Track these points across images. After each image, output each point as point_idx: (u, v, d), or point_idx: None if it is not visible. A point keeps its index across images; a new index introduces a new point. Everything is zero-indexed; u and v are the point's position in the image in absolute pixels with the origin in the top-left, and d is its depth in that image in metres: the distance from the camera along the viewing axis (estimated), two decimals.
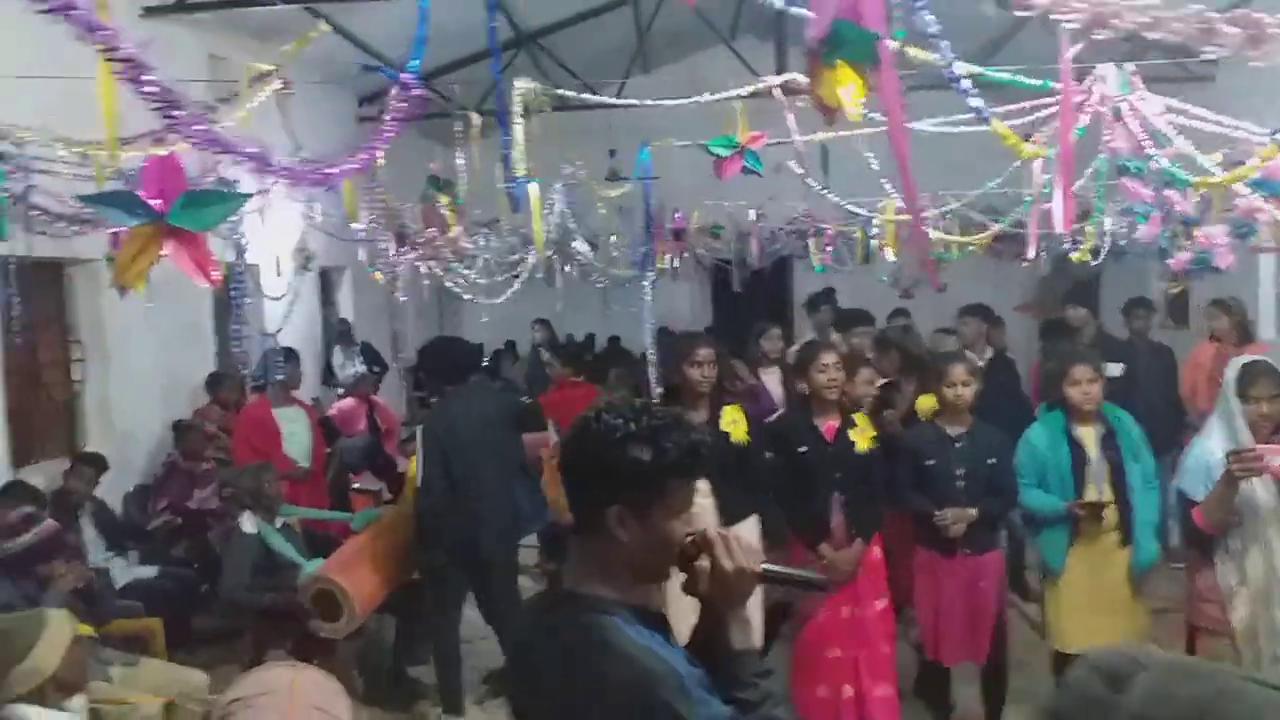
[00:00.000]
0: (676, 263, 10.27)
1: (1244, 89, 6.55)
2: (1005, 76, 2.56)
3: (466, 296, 6.89)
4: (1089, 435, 4.22)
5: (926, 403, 4.63)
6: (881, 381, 5.29)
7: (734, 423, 4.27)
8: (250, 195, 2.56)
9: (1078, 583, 4.18)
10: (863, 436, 4.30)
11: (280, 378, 6.10)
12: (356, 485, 6.97)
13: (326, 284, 10.26)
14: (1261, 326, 8.87)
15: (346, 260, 9.46)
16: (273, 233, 7.20)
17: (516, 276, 6.32)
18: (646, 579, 1.67)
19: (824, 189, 4.58)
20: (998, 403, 5.58)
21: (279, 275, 7.58)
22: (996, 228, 5.90)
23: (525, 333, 12.24)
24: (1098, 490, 4.12)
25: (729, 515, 4.06)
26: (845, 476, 4.21)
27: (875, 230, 7.52)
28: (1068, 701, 0.66)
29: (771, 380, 6.03)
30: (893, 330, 6.64)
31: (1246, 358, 3.80)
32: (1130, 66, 2.79)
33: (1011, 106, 3.08)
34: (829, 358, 4.32)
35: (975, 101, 2.29)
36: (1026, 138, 3.05)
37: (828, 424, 4.32)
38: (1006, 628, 4.54)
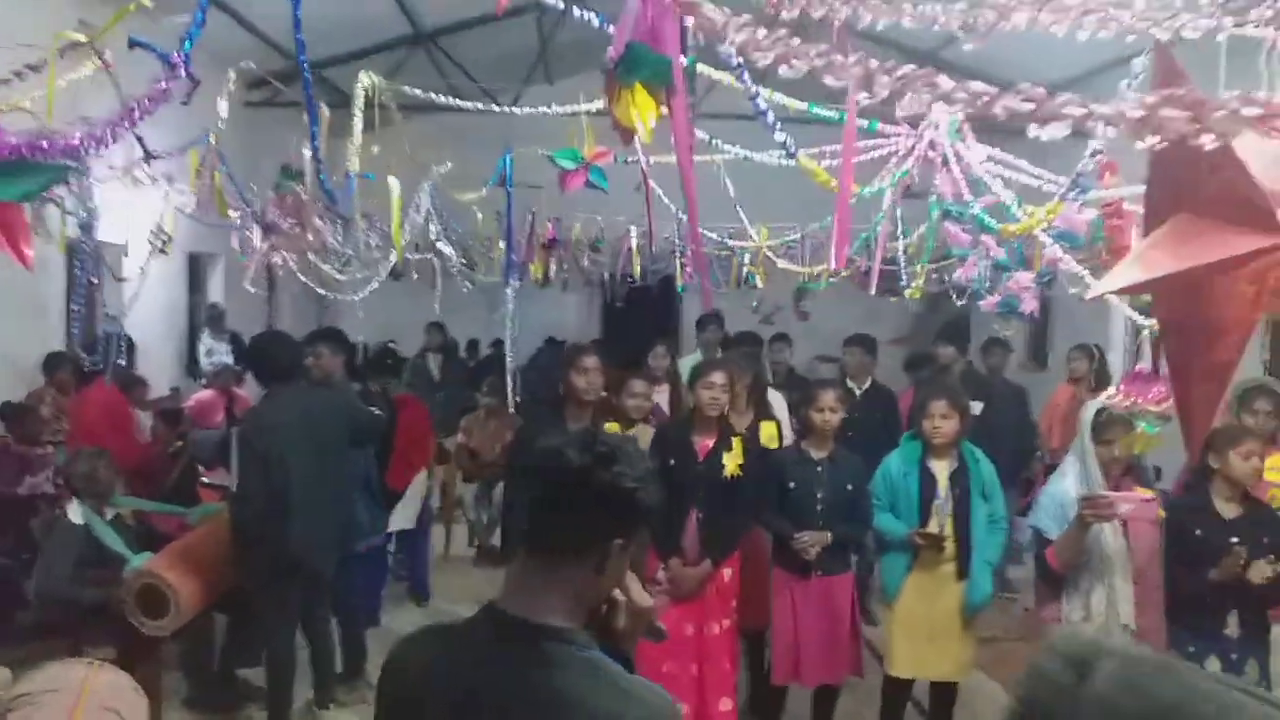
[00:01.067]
0: (564, 273, 10.26)
1: (1061, 142, 6.86)
2: (829, 114, 2.62)
3: (321, 291, 6.73)
4: (942, 469, 4.35)
5: (768, 430, 4.72)
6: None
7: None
8: (69, 168, 2.42)
9: (912, 609, 4.30)
10: (733, 461, 4.34)
11: (121, 363, 5.81)
12: (205, 480, 6.72)
13: (196, 270, 9.91)
14: (1116, 371, 9.33)
15: (220, 248, 9.16)
16: (131, 212, 6.92)
17: (379, 277, 6.19)
18: (590, 613, 1.66)
19: (679, 211, 4.62)
20: (872, 432, 5.75)
21: (126, 256, 7.27)
22: (832, 263, 6.05)
23: (407, 334, 12.06)
24: (939, 522, 4.25)
25: None
26: (708, 495, 4.26)
27: (746, 256, 7.63)
28: (1033, 688, 0.66)
29: (661, 398, 6.07)
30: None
31: (1100, 402, 3.97)
32: (960, 116, 2.88)
33: (825, 147, 3.17)
34: (718, 377, 4.37)
35: (779, 136, 2.33)
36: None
37: (703, 442, 4.36)
38: (860, 647, 4.64)
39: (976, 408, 6.47)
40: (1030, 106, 1.22)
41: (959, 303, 7.75)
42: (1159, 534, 3.80)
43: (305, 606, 4.84)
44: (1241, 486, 3.84)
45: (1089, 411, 3.75)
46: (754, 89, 2.08)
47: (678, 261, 7.03)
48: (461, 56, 10.39)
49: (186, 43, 2.29)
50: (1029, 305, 3.68)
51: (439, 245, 6.39)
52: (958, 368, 7.38)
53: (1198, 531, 3.82)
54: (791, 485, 4.43)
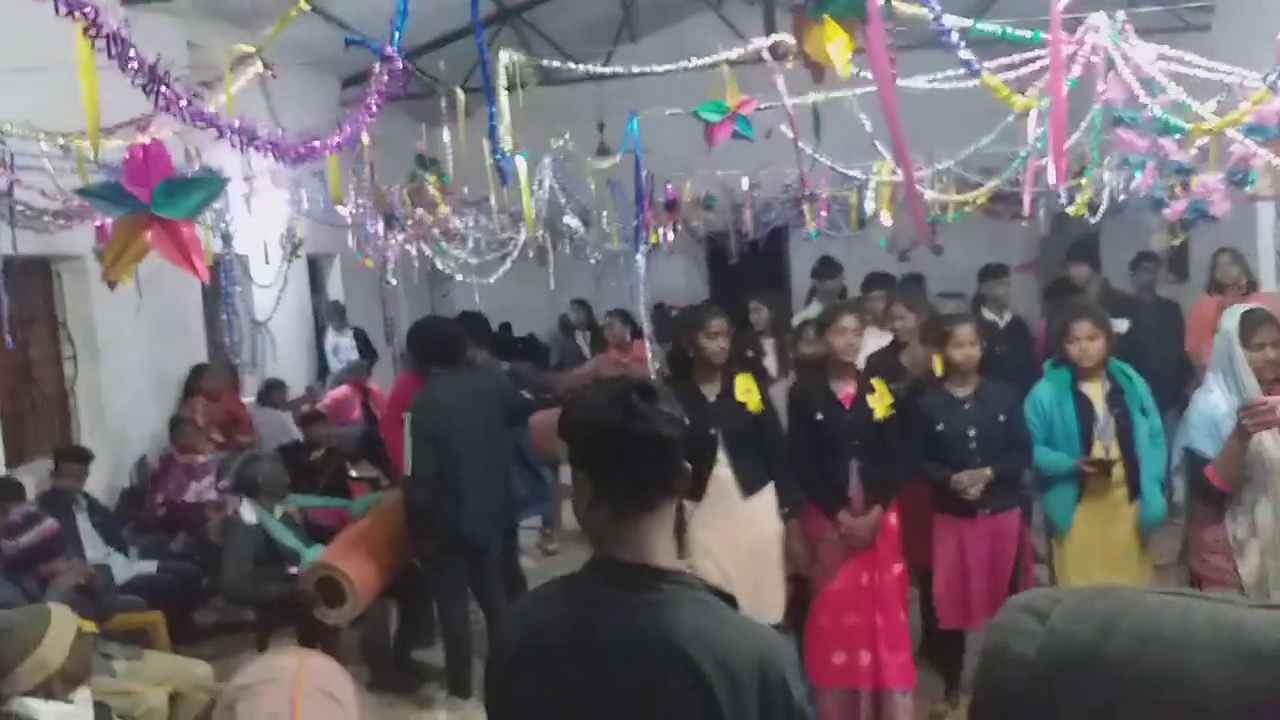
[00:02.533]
0: (670, 236, 10.20)
1: (1238, 37, 6.46)
2: (995, 29, 2.50)
3: (458, 277, 6.81)
4: (1095, 392, 4.19)
5: (939, 365, 4.58)
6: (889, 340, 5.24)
7: (748, 391, 4.22)
8: (228, 179, 2.50)
9: (1085, 539, 4.16)
10: (880, 403, 4.22)
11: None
12: (354, 473, 6.94)
13: (315, 271, 10.19)
14: (1262, 277, 8.83)
15: (335, 247, 9.38)
16: (260, 221, 7.13)
17: (507, 255, 6.22)
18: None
19: (815, 153, 4.50)
20: (1017, 365, 5.55)
21: (267, 263, 7.50)
22: (991, 185, 5.82)
23: (519, 313, 12.19)
24: (1104, 447, 4.09)
25: (746, 484, 4.03)
26: (863, 443, 4.15)
27: (870, 194, 7.43)
28: (999, 636, 0.70)
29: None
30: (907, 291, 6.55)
31: (1245, 306, 3.75)
32: (1121, 15, 2.73)
33: (1003, 60, 3.01)
34: (849, 322, 4.26)
35: (965, 55, 2.23)
36: (1020, 93, 3.00)
37: (845, 390, 4.26)
38: (1031, 584, 4.50)
39: (1122, 326, 6.21)
40: None
41: (1091, 220, 7.41)
42: None
43: (476, 581, 4.96)
44: None
45: (1232, 318, 3.53)
46: (938, 8, 1.98)
47: (805, 208, 6.89)
48: (546, 28, 10.37)
49: (395, 35, 2.30)
50: (1220, 208, 3.46)
51: (566, 219, 6.40)
52: (1094, 287, 7.07)
53: None
54: (940, 427, 4.31)
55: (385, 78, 2.34)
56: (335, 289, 10.43)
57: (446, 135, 4.05)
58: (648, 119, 4.79)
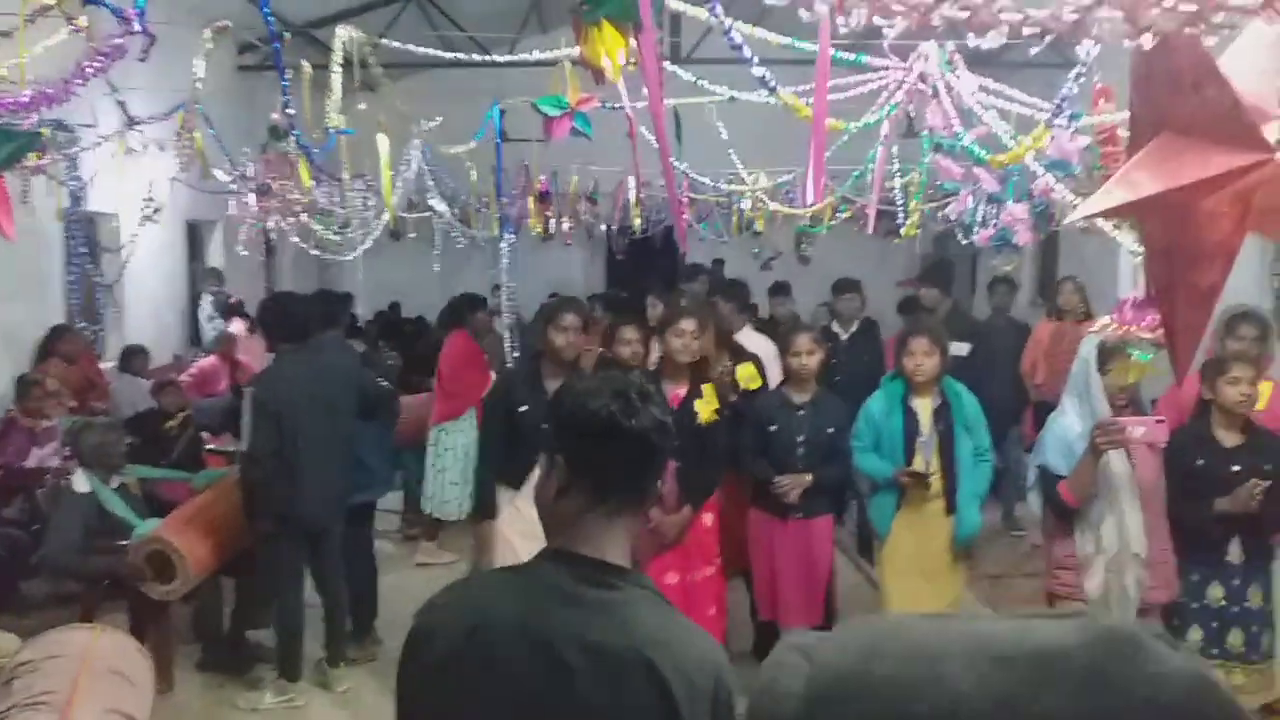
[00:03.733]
0: (567, 227, 10.17)
1: (1115, 76, 6.73)
2: (811, 47, 2.54)
3: (314, 252, 6.68)
4: (925, 407, 4.33)
5: (745, 371, 4.72)
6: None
7: None
8: (38, 134, 2.39)
9: (903, 547, 4.31)
10: (706, 407, 4.32)
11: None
12: (211, 446, 6.76)
13: (195, 238, 9.87)
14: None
15: (218, 214, 9.11)
16: (132, 182, 6.88)
17: (373, 235, 6.13)
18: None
19: (677, 159, 4.55)
20: (860, 375, 5.73)
21: (121, 226, 7.23)
22: (828, 199, 5.98)
23: (409, 294, 12.04)
24: (925, 460, 4.24)
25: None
26: (683, 444, 4.21)
27: (745, 203, 7.54)
28: (768, 674, 0.72)
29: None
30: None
31: (1099, 336, 3.91)
32: (951, 45, 2.83)
33: (838, 80, 3.09)
34: (688, 324, 4.34)
35: (758, 71, 2.28)
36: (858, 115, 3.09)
37: (674, 391, 4.33)
38: (836, 589, 4.67)
39: (963, 349, 6.47)
40: (965, 14, 1.17)
41: (964, 241, 7.65)
42: (1160, 460, 3.78)
43: (315, 564, 4.89)
44: (1239, 415, 3.82)
45: (1089, 344, 3.70)
46: (728, 23, 2.01)
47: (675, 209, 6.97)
48: (455, 10, 10.24)
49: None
50: (1024, 237, 3.61)
51: (431, 202, 6.32)
52: (943, 309, 7.33)
53: (1199, 461, 3.82)
54: (773, 428, 4.44)
55: (120, 38, 2.27)
56: (216, 257, 10.13)
57: (291, 110, 3.97)
58: (519, 105, 4.76)
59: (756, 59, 2.18)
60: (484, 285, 11.94)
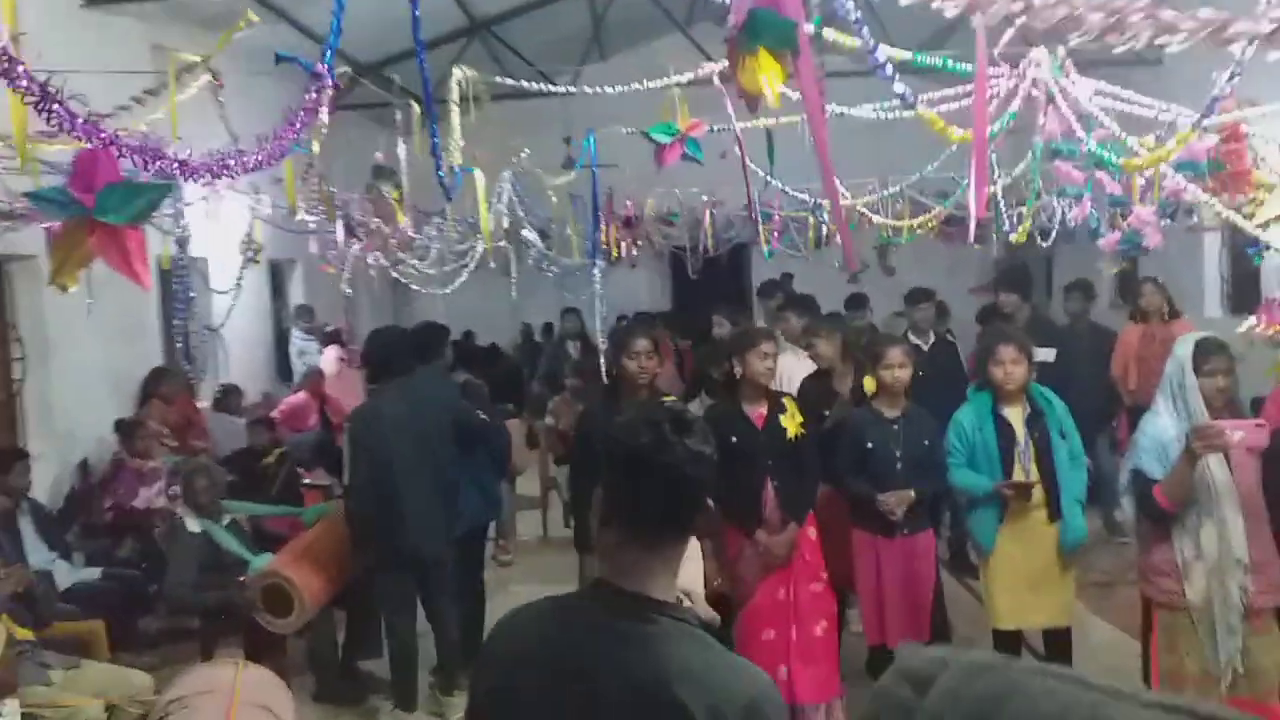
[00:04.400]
0: (634, 251, 10.23)
1: (1188, 72, 6.61)
2: (935, 62, 2.56)
3: (415, 287, 6.79)
4: (1016, 415, 4.29)
5: (871, 384, 4.66)
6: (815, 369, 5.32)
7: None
8: (171, 185, 2.49)
9: (1009, 560, 4.25)
10: (792, 422, 4.32)
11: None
12: (307, 481, 6.90)
13: (277, 277, 10.12)
14: (1207, 304, 9.03)
15: (298, 253, 9.33)
16: (220, 226, 7.08)
17: (465, 266, 6.21)
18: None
19: (768, 175, 4.56)
20: (940, 387, 5.65)
21: (224, 269, 7.44)
22: (937, 210, 5.94)
23: (482, 322, 12.20)
24: (1024, 469, 4.19)
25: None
26: (777, 462, 4.23)
27: (825, 216, 7.53)
28: (876, 708, 0.68)
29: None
30: (825, 318, 6.65)
31: (1199, 334, 3.83)
32: (1062, 51, 2.82)
33: (947, 91, 3.08)
34: (769, 346, 4.33)
35: (899, 88, 2.29)
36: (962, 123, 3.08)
37: (757, 411, 4.34)
38: (944, 603, 4.62)
39: (1049, 355, 6.34)
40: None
41: (1042, 245, 7.54)
42: (1260, 464, 3.66)
43: (425, 594, 4.95)
44: None
45: (1186, 345, 3.62)
46: (872, 42, 2.03)
47: (759, 227, 6.95)
48: (516, 43, 10.41)
49: (328, 54, 2.31)
50: (1154, 239, 3.55)
51: (524, 232, 6.41)
52: (1023, 315, 7.19)
53: None
54: (870, 446, 4.40)
55: (314, 94, 2.35)
56: (296, 294, 10.36)
57: (402, 147, 4.06)
58: (612, 136, 4.83)
59: (896, 76, 2.20)
60: (554, 311, 12.10)
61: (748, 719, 1.48)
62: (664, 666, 1.50)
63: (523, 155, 5.58)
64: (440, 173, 3.19)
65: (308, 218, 6.71)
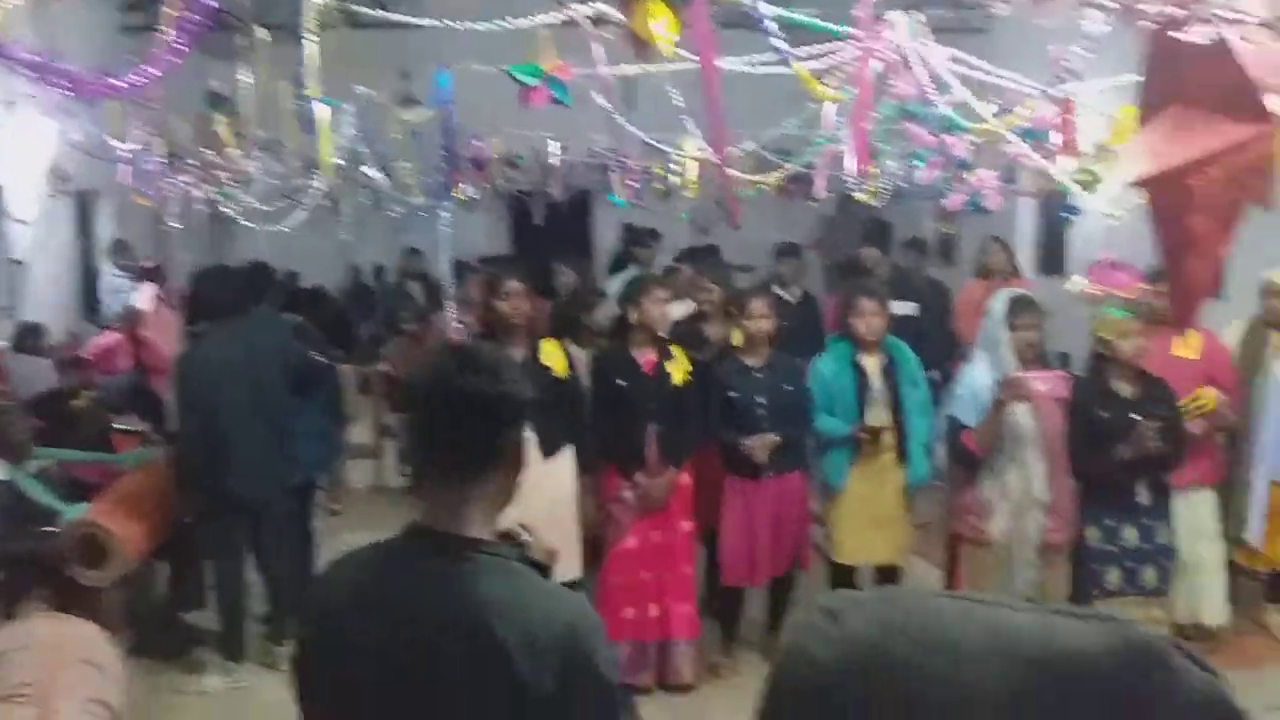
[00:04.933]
0: (477, 194, 9.98)
1: (1015, 42, 7.01)
2: (808, 19, 2.61)
3: (244, 222, 6.41)
4: (872, 365, 4.52)
5: (737, 336, 4.80)
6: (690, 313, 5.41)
7: (552, 356, 4.29)
8: None
9: (857, 499, 4.49)
10: (679, 369, 4.42)
11: None
12: (118, 426, 6.45)
13: (85, 209, 9.31)
14: (1021, 264, 9.67)
15: (104, 183, 8.60)
16: (22, 150, 6.45)
17: (298, 203, 5.89)
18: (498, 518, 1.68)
19: (626, 123, 4.54)
20: (806, 339, 5.86)
21: (25, 198, 6.80)
22: (789, 167, 6.09)
23: (308, 263, 11.69)
24: (878, 415, 4.42)
25: (547, 446, 4.10)
26: (661, 408, 4.32)
27: (676, 168, 7.57)
28: (796, 636, 0.72)
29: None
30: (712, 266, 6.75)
31: (1013, 290, 4.14)
32: (921, 16, 2.93)
33: (813, 49, 3.14)
34: (663, 293, 4.42)
35: (779, 44, 2.32)
36: (819, 79, 3.15)
37: (647, 357, 4.40)
38: (808, 541, 4.82)
39: (910, 308, 6.69)
40: None
41: (877, 206, 7.85)
42: (1062, 412, 4.02)
43: (256, 542, 4.78)
44: (1133, 367, 4.08)
45: (1000, 301, 3.91)
46: None
47: (614, 175, 6.90)
48: None
49: None
50: (994, 201, 3.78)
51: (367, 170, 6.13)
52: (883, 269, 7.53)
53: (1101, 412, 4.06)
54: (733, 394, 4.52)
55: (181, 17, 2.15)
56: (105, 228, 9.57)
57: (242, 74, 3.78)
58: (457, 70, 4.65)
59: (781, 33, 2.22)
60: (386, 254, 11.67)
61: (565, 643, 1.50)
62: (476, 603, 1.51)
63: (368, 89, 5.32)
64: (301, 103, 2.99)
65: (121, 146, 6.22)
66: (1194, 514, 4.49)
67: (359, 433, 7.86)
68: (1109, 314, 3.30)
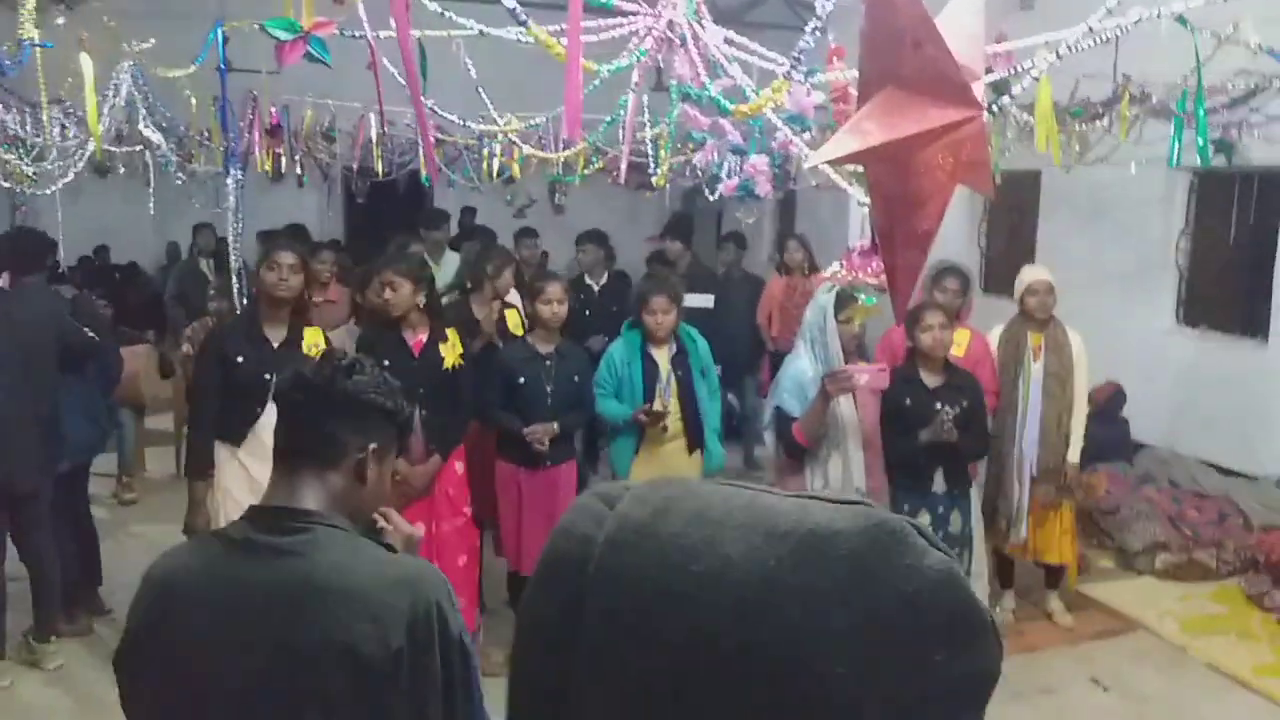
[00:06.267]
0: (300, 169, 9.57)
1: (1062, 14, 7.14)
2: None
3: (5, 184, 5.90)
4: (662, 354, 4.55)
5: (514, 318, 4.71)
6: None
7: (315, 346, 4.05)
8: None
9: None
10: (451, 352, 4.27)
11: None
12: None
13: None
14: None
15: None
16: None
17: (75, 168, 5.46)
18: (359, 523, 1.74)
19: (424, 96, 4.34)
20: (611, 324, 5.82)
21: None
22: (580, 147, 6.02)
23: (120, 236, 11.06)
24: (664, 403, 4.42)
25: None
26: (428, 391, 4.14)
27: (497, 148, 7.40)
28: (569, 516, 0.74)
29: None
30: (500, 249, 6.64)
31: (837, 286, 4.17)
32: None
33: (590, 24, 3.06)
34: (388, 276, 4.23)
35: (509, 2, 2.23)
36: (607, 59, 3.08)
37: (416, 339, 4.23)
38: None
39: (708, 300, 6.78)
40: None
41: (711, 198, 7.90)
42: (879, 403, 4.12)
43: (18, 533, 4.42)
44: (937, 358, 4.26)
45: (828, 294, 3.94)
46: None
47: (420, 152, 6.66)
48: None
49: None
50: (764, 188, 3.79)
51: (145, 132, 5.71)
52: (684, 262, 7.62)
53: (908, 400, 4.21)
54: (521, 380, 4.44)
55: None
56: None
57: None
58: (257, 34, 4.37)
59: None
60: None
61: (415, 604, 1.53)
62: (314, 568, 1.54)
63: (144, 44, 4.96)
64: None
65: None
66: None
67: (157, 420, 7.41)
68: (860, 299, 3.36)
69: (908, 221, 1.97)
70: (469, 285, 5.16)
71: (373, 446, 1.70)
